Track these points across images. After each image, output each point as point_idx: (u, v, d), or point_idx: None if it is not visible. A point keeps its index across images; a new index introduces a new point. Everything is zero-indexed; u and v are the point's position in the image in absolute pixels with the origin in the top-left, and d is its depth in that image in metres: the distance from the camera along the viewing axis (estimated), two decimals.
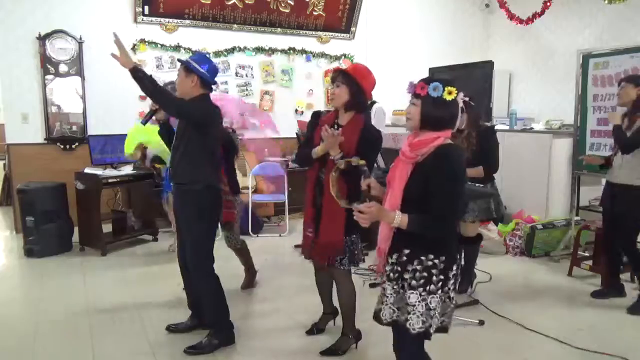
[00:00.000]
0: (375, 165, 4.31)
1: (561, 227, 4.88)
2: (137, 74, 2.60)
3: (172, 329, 3.15)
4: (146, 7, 5.77)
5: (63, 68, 5.54)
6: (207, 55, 4.95)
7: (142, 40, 5.88)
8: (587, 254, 4.40)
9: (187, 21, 6.06)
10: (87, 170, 4.86)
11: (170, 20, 5.98)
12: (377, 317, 2.06)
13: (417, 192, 1.87)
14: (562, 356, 2.92)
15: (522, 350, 2.97)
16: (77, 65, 5.58)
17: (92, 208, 4.76)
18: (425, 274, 1.89)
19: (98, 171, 4.81)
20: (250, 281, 3.99)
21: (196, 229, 2.84)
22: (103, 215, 4.97)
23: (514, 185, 5.33)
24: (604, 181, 5.23)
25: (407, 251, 1.94)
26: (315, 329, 3.14)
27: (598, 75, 4.58)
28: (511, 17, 6.61)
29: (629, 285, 3.89)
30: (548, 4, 6.09)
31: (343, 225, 2.63)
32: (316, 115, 2.92)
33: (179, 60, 2.93)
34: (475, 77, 6.14)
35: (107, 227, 5.05)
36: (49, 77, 5.49)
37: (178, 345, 2.93)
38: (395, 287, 1.98)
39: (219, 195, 2.96)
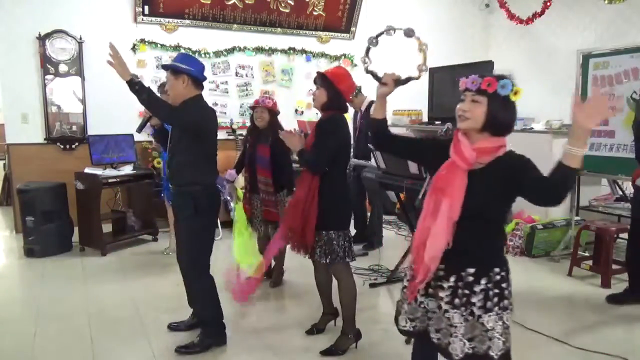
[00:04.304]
0: (375, 164, 4.31)
1: (561, 227, 4.87)
2: (134, 86, 2.62)
3: (173, 327, 3.16)
4: (146, 7, 5.77)
5: (63, 68, 5.54)
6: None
7: (142, 40, 5.88)
8: (587, 254, 4.39)
9: (187, 21, 6.06)
10: (87, 170, 4.85)
11: (170, 20, 5.98)
12: (409, 333, 1.94)
13: (478, 202, 1.72)
14: (562, 356, 2.92)
15: (522, 350, 2.95)
16: (77, 65, 5.59)
17: (92, 208, 4.75)
18: (497, 290, 1.74)
19: (98, 171, 4.80)
20: (277, 278, 4.02)
21: (194, 228, 2.84)
22: (103, 215, 4.97)
23: None
24: (604, 181, 5.25)
25: (472, 270, 1.74)
26: (315, 330, 3.14)
27: (598, 75, 4.57)
28: (511, 17, 6.61)
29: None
30: (548, 4, 6.09)
31: (301, 212, 2.69)
32: None
33: (163, 66, 2.89)
34: None
35: (107, 227, 5.06)
36: (49, 77, 5.49)
37: (178, 344, 2.93)
38: (464, 314, 1.75)
39: (217, 195, 2.96)
